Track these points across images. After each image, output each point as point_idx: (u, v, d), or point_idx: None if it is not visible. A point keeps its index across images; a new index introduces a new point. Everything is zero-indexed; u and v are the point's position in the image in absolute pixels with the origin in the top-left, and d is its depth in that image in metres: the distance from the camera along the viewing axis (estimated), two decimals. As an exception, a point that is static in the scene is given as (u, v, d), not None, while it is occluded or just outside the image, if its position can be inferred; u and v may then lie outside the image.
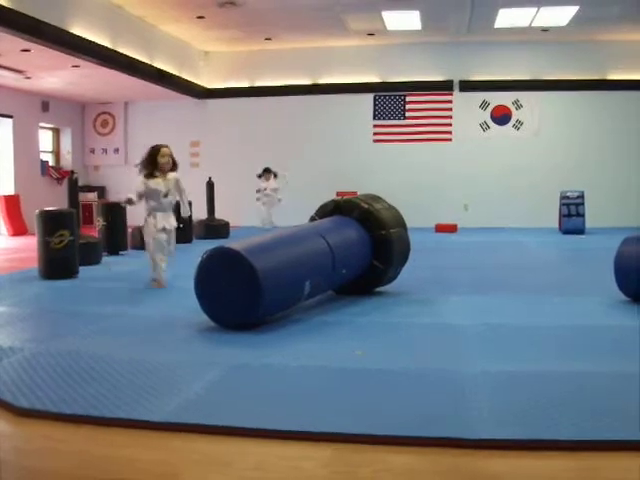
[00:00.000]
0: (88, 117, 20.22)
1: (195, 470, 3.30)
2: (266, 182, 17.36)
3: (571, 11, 15.14)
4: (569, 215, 16.54)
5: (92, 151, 20.22)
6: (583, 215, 16.45)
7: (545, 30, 16.80)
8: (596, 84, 18.02)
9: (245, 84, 19.17)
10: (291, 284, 6.46)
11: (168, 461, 3.39)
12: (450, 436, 3.57)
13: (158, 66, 15.98)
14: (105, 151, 20.04)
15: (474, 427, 3.68)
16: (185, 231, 14.36)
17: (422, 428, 3.67)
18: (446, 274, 9.66)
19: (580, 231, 16.15)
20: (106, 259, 11.21)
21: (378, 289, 8.09)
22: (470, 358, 5.18)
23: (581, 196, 16.57)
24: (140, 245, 12.78)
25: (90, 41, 13.02)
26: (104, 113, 20.08)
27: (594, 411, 3.90)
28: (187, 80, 17.82)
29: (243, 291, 5.96)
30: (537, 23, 16.14)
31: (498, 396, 4.22)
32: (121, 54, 14.24)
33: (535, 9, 15.06)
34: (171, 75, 16.77)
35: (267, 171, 17.41)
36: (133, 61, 14.80)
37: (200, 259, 6.23)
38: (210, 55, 19.18)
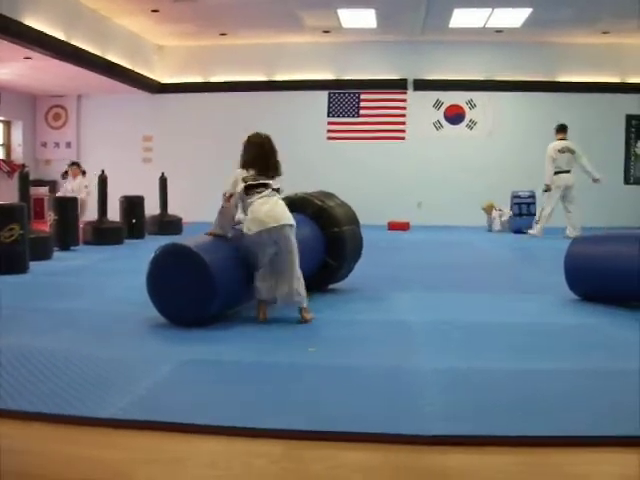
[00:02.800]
0: (40, 110, 19.93)
1: (146, 467, 3.27)
2: (73, 181, 14.93)
3: (524, 13, 15.32)
4: (520, 214, 16.71)
5: (44, 145, 19.94)
6: (534, 214, 16.62)
7: (499, 31, 16.97)
8: (547, 85, 18.26)
9: (199, 79, 19.07)
10: (243, 280, 6.44)
11: (119, 458, 3.35)
12: (403, 433, 3.58)
13: (111, 59, 15.83)
14: (57, 145, 19.79)
15: (427, 424, 3.70)
16: (137, 227, 14.31)
17: (375, 424, 3.68)
18: (399, 271, 9.71)
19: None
20: (57, 254, 11.08)
21: (331, 286, 8.10)
22: (423, 355, 5.21)
23: (532, 195, 16.76)
24: (92, 240, 12.73)
25: (43, 33, 12.86)
26: (56, 106, 19.81)
27: (545, 407, 3.95)
28: (140, 74, 17.68)
29: (195, 287, 5.94)
30: (491, 24, 16.30)
31: (451, 393, 4.25)
32: (74, 46, 14.08)
33: (489, 10, 15.21)
34: (124, 69, 16.62)
35: (75, 166, 15.23)
36: (86, 54, 14.64)
37: (153, 255, 6.19)
38: (164, 49, 19.05)
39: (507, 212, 16.56)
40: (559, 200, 15.08)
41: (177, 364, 4.84)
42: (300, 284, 6.31)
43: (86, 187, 13.59)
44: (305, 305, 6.35)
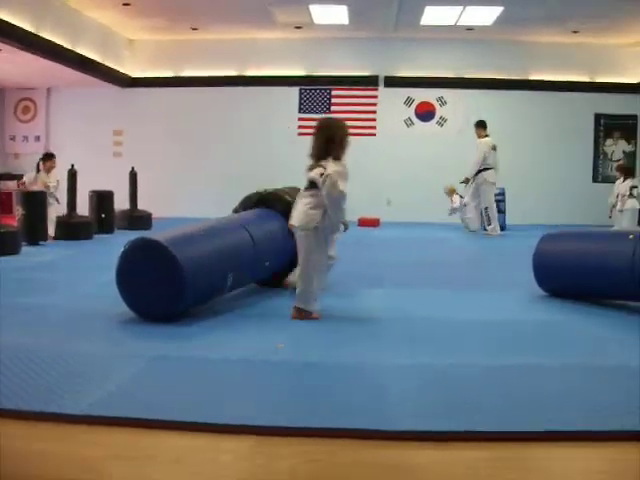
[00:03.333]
0: (8, 103, 19.72)
1: (116, 464, 3.26)
2: (46, 176, 13.62)
3: (496, 11, 15.40)
4: (490, 211, 16.79)
5: (12, 138, 19.73)
6: (504, 212, 16.75)
7: (470, 29, 17.05)
8: (518, 84, 18.38)
9: (170, 74, 18.98)
10: (214, 276, 6.44)
11: (88, 455, 3.34)
12: (371, 428, 3.60)
13: (81, 53, 15.70)
14: (26, 139, 19.59)
15: (395, 419, 3.72)
16: (106, 222, 14.24)
17: (342, 419, 3.70)
18: (368, 268, 9.73)
19: (500, 227, 16.42)
20: (26, 249, 11.00)
21: (301, 282, 8.10)
22: (391, 351, 5.24)
23: (502, 193, 16.87)
24: (62, 235, 12.64)
25: (11, 24, 12.73)
26: (25, 99, 19.61)
27: (515, 403, 3.99)
28: (111, 68, 17.55)
29: (165, 283, 5.92)
30: (462, 22, 16.37)
31: (420, 389, 4.28)
32: (44, 39, 13.95)
33: (461, 8, 15.27)
34: (95, 62, 16.49)
35: (48, 158, 13.91)
36: (56, 47, 14.51)
37: (122, 250, 6.16)
38: (135, 43, 18.94)
39: (459, 199, 16.59)
40: (486, 196, 15.42)
41: (147, 360, 4.83)
42: (303, 284, 6.25)
43: (58, 182, 13.38)
44: (300, 305, 6.28)
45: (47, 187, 13.13)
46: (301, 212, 6.24)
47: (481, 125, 15.65)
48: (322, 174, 6.09)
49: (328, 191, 6.06)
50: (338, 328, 6.07)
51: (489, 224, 15.32)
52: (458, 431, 3.58)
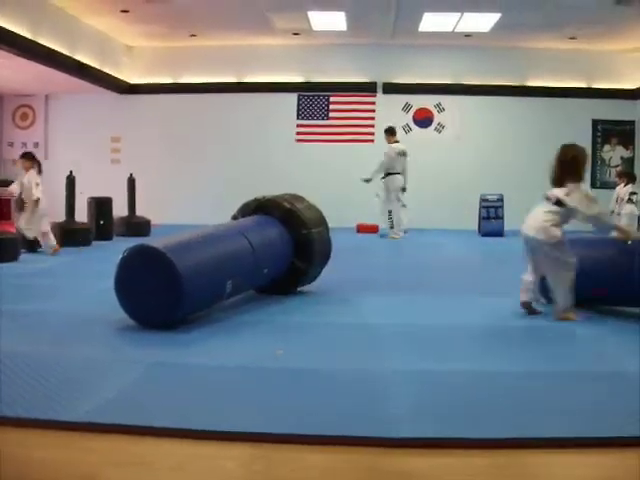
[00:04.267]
0: (7, 109, 19.70)
1: (114, 471, 3.26)
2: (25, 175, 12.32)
3: (493, 18, 15.43)
4: (488, 218, 16.85)
5: (11, 145, 19.71)
6: (502, 218, 16.77)
7: (468, 35, 17.07)
8: (516, 90, 18.41)
9: (169, 80, 18.98)
10: (212, 283, 6.44)
11: (86, 462, 3.34)
12: (369, 435, 3.61)
13: (80, 59, 15.70)
14: (25, 145, 19.50)
15: (393, 426, 3.73)
16: (105, 228, 14.24)
17: (341, 427, 3.70)
18: (367, 274, 9.74)
19: (499, 233, 16.46)
20: (24, 256, 10.99)
21: (299, 289, 8.11)
22: (389, 357, 5.25)
23: (500, 199, 16.90)
24: (59, 241, 12.62)
25: (9, 31, 12.73)
26: (24, 106, 19.60)
27: (511, 410, 4.00)
28: (109, 74, 17.55)
29: (164, 290, 5.92)
30: (460, 28, 16.39)
31: (417, 395, 4.28)
32: (42, 45, 13.95)
33: (459, 15, 15.30)
34: (93, 69, 16.50)
35: (25, 158, 12.71)
36: (54, 53, 14.52)
37: (121, 257, 6.16)
38: (133, 50, 18.96)
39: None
40: (392, 200, 15.83)
41: (145, 367, 4.83)
42: (560, 295, 6.65)
43: (37, 185, 12.27)
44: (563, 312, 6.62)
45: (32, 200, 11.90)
46: (541, 228, 6.80)
47: (390, 132, 16.05)
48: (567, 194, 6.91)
49: (588, 214, 6.93)
50: (337, 334, 6.07)
51: (391, 227, 15.76)
52: (456, 438, 3.59)
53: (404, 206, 15.87)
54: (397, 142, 15.90)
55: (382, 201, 15.77)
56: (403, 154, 15.68)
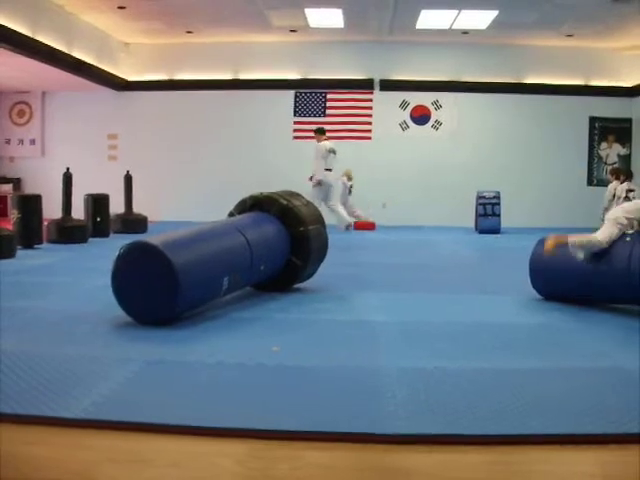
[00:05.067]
0: (4, 106, 19.70)
1: (111, 468, 3.26)
2: None
3: (491, 15, 15.45)
4: (485, 215, 16.87)
5: (7, 142, 19.71)
6: (499, 215, 16.81)
7: (465, 33, 17.11)
8: (513, 87, 18.47)
9: (165, 77, 18.99)
10: (209, 280, 6.43)
11: (82, 459, 3.33)
12: (367, 432, 3.61)
13: (77, 56, 15.72)
14: (21, 142, 19.56)
15: (391, 423, 3.72)
16: (101, 225, 14.23)
17: (339, 424, 3.70)
18: (364, 271, 9.74)
19: (496, 231, 16.48)
20: (21, 252, 10.97)
21: (296, 285, 8.11)
22: (387, 354, 5.24)
23: (497, 196, 16.94)
24: (56, 239, 12.63)
25: (7, 28, 12.74)
26: (21, 102, 19.60)
27: (509, 406, 3.99)
28: (106, 71, 17.56)
29: (160, 286, 5.91)
30: (457, 26, 16.42)
31: (415, 392, 4.27)
32: (39, 42, 13.96)
33: (456, 12, 15.32)
34: (90, 66, 16.50)
35: None
36: (51, 50, 14.53)
37: (117, 253, 6.15)
38: (130, 47, 18.95)
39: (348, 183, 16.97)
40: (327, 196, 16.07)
41: (142, 364, 4.82)
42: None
43: None
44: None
45: None
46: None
47: (319, 131, 16.31)
48: None
49: None
50: (334, 331, 6.07)
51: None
52: (454, 434, 3.59)
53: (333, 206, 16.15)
54: (327, 140, 16.29)
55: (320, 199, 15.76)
56: (332, 151, 15.77)
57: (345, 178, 17.26)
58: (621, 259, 6.64)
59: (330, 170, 16.12)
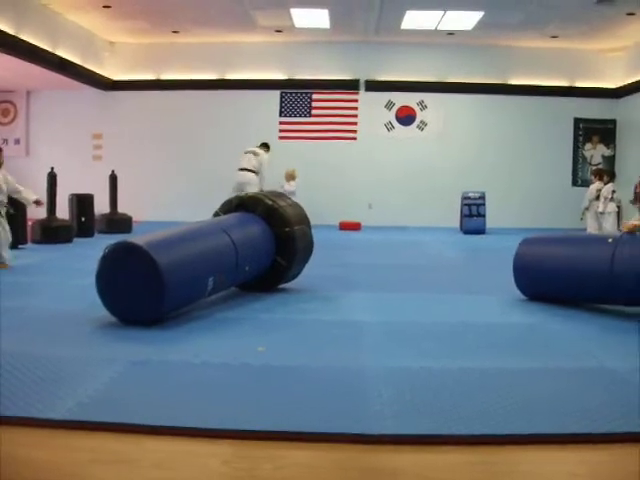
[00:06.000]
0: (-13, 105, 19.64)
1: (95, 469, 3.25)
2: None
3: (476, 16, 15.49)
4: (470, 215, 16.92)
5: (-9, 141, 19.64)
6: (484, 215, 16.86)
7: (451, 34, 17.14)
8: (498, 88, 18.53)
9: (151, 77, 18.93)
10: (194, 280, 6.43)
11: (66, 460, 3.33)
12: (352, 432, 3.62)
13: (62, 55, 15.66)
14: (5, 141, 19.43)
15: (375, 423, 3.74)
16: (86, 225, 14.18)
17: (324, 424, 3.71)
18: (349, 271, 9.75)
19: (481, 231, 16.54)
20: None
21: (281, 286, 8.12)
22: (372, 354, 5.26)
23: (482, 197, 16.99)
24: (41, 239, 12.59)
25: (-11, 26, 12.70)
26: (5, 102, 19.49)
27: (494, 406, 4.01)
28: (91, 70, 17.50)
29: (145, 286, 5.91)
30: (443, 26, 16.45)
31: (400, 392, 4.29)
32: (23, 41, 13.90)
33: (441, 13, 15.34)
34: (75, 65, 16.44)
35: None
36: (36, 49, 14.47)
37: (102, 254, 6.14)
38: (116, 46, 18.88)
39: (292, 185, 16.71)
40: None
41: (127, 364, 4.82)
42: None
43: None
44: None
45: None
46: None
47: (265, 146, 16.02)
48: None
49: None
50: (319, 331, 6.08)
51: None
52: (440, 434, 3.60)
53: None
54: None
55: None
56: (247, 152, 15.78)
57: (291, 183, 16.80)
58: (604, 260, 6.67)
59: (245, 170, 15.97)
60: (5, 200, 9.67)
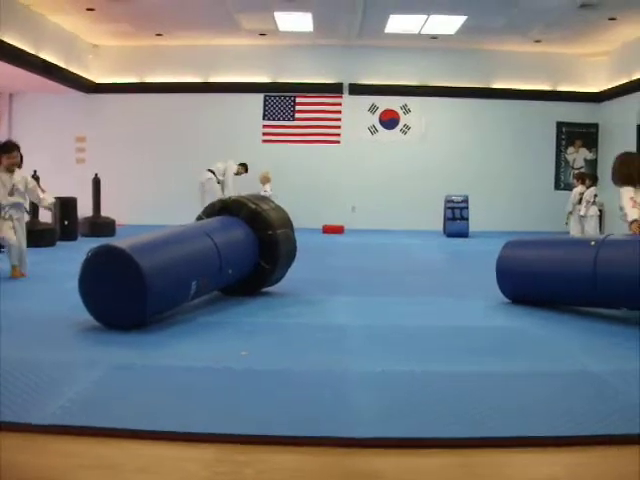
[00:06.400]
0: (-30, 108, 19.52)
1: (77, 474, 3.25)
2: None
3: (459, 20, 15.54)
4: (453, 219, 16.96)
5: (-26, 144, 19.47)
6: (467, 219, 16.90)
7: (434, 38, 17.17)
8: (481, 92, 18.58)
9: (134, 80, 18.87)
10: (177, 284, 6.42)
11: (49, 465, 3.32)
12: (334, 435, 3.62)
13: (45, 58, 15.57)
14: (-12, 144, 19.33)
15: (357, 426, 3.74)
16: (69, 228, 14.12)
17: (306, 428, 3.71)
18: (332, 275, 9.76)
19: (464, 234, 16.58)
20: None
21: (265, 289, 8.11)
22: (355, 358, 5.27)
23: (465, 200, 17.03)
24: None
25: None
26: (-13, 104, 19.42)
27: (475, 409, 4.02)
28: (75, 73, 17.41)
29: (128, 290, 5.90)
30: (426, 30, 16.49)
31: (381, 395, 4.31)
32: (6, 44, 13.80)
33: (425, 17, 15.37)
34: (58, 67, 16.36)
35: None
36: (18, 51, 14.37)
37: (85, 257, 6.12)
38: (99, 49, 18.82)
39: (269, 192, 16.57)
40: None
41: (110, 368, 4.81)
42: None
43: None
44: None
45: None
46: None
47: (243, 166, 16.76)
48: None
49: None
50: (302, 335, 6.09)
51: None
52: (422, 437, 3.61)
53: None
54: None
55: None
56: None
57: (267, 186, 16.30)
58: (586, 263, 6.70)
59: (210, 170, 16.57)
60: (24, 203, 9.39)
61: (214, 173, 16.18)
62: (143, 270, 5.86)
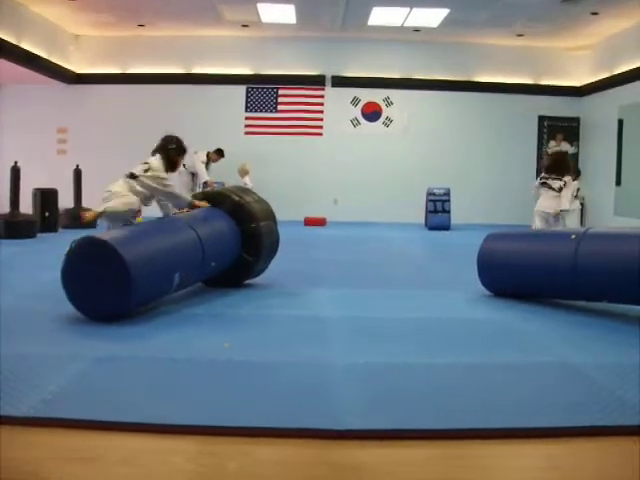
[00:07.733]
0: (-50, 98, 19.36)
1: (59, 466, 3.23)
2: None
3: (442, 13, 15.56)
4: (435, 211, 17.00)
5: (-46, 135, 19.35)
6: (449, 211, 16.95)
7: (417, 30, 17.19)
8: (463, 85, 18.62)
9: (116, 70, 18.77)
10: (160, 276, 6.41)
11: (30, 458, 3.30)
12: (317, 427, 3.63)
13: (26, 48, 15.47)
14: (-32, 135, 19.22)
15: (340, 418, 3.75)
16: (50, 220, 14.06)
17: (289, 419, 3.72)
18: (315, 267, 9.77)
19: (445, 227, 16.63)
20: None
21: (247, 281, 8.12)
22: (338, 350, 5.28)
23: (447, 193, 17.07)
24: (3, 234, 12.46)
25: (-48, 19, 12.53)
26: (-33, 95, 19.26)
27: (458, 401, 4.05)
28: (56, 64, 17.30)
29: (111, 282, 5.88)
30: (409, 23, 16.51)
31: (363, 387, 4.32)
32: (-14, 33, 13.75)
33: (408, 9, 15.39)
34: (40, 58, 16.26)
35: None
36: (0, 41, 14.29)
37: (67, 249, 6.10)
38: (81, 39, 18.70)
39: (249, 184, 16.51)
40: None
41: (92, 360, 4.80)
42: None
43: None
44: None
45: None
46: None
47: (218, 152, 16.72)
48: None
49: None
50: (285, 327, 6.09)
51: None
52: (405, 429, 3.63)
53: None
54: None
55: None
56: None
57: (246, 178, 16.25)
58: (567, 256, 6.74)
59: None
60: None
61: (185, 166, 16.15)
62: (127, 262, 5.85)
